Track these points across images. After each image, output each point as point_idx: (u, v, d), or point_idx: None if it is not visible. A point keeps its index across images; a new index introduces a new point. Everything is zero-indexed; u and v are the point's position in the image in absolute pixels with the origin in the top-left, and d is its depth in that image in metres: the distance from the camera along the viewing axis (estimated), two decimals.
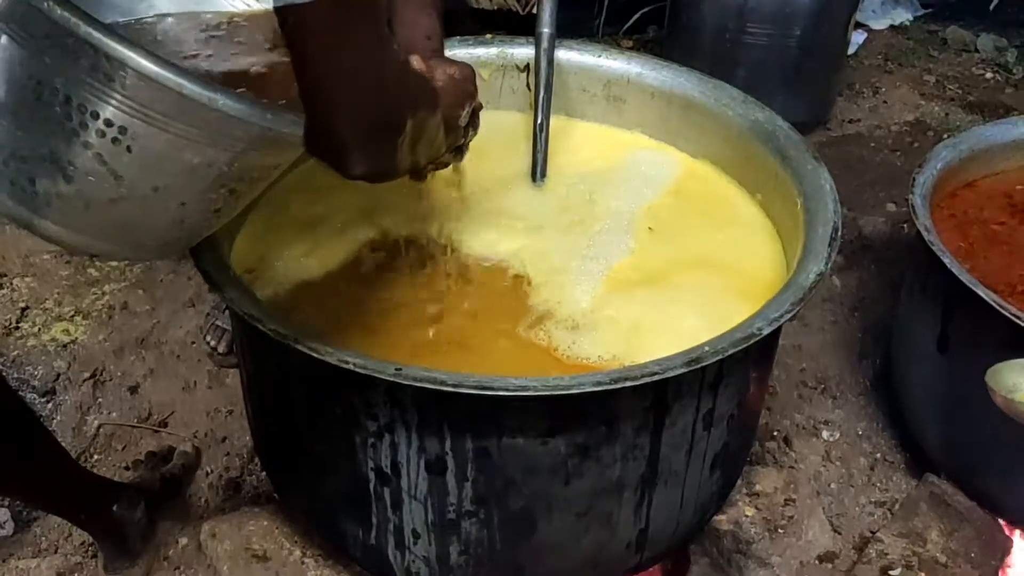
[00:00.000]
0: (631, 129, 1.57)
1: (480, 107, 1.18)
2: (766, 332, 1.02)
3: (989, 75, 3.24)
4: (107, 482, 1.40)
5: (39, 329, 1.85)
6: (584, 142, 1.56)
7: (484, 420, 1.02)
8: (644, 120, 1.55)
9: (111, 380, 1.76)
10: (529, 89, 1.59)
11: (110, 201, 0.90)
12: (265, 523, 1.39)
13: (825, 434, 1.64)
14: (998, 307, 1.28)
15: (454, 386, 0.94)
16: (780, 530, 1.39)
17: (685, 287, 1.25)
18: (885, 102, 3.03)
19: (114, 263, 2.02)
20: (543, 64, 1.50)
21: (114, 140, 0.85)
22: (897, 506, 1.46)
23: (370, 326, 1.21)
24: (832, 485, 1.54)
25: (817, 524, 1.41)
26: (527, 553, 1.16)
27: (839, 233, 1.16)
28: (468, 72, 1.12)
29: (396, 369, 0.96)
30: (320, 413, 1.12)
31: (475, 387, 0.94)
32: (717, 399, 1.11)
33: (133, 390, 1.74)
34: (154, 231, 0.96)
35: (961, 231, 1.59)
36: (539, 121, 1.49)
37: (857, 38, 3.32)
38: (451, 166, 1.22)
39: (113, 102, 0.84)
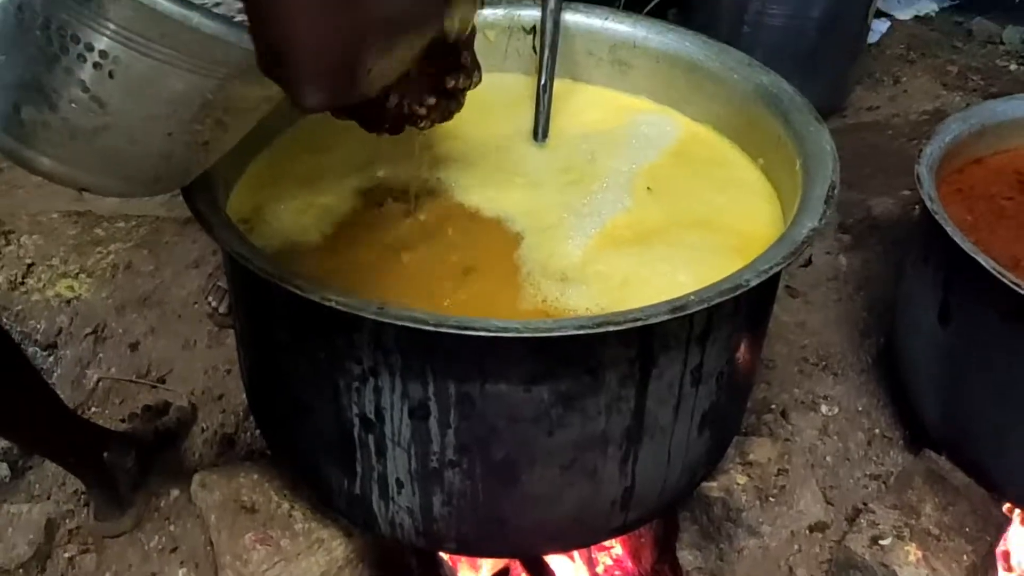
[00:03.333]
0: (636, 93, 1.56)
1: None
2: (754, 283, 1.01)
3: (1013, 67, 3.20)
4: (98, 428, 1.40)
5: (44, 285, 1.86)
6: (588, 105, 1.55)
7: (467, 364, 1.02)
8: (649, 84, 1.54)
9: (112, 337, 1.77)
10: (535, 52, 1.59)
11: (95, 130, 0.90)
12: (256, 476, 1.39)
13: (824, 408, 1.63)
14: (999, 275, 1.26)
15: (435, 325, 0.94)
16: (771, 499, 1.37)
17: (679, 245, 1.24)
18: (905, 91, 2.99)
19: (121, 224, 2.04)
20: (549, 25, 1.49)
21: (95, 65, 0.85)
22: (892, 479, 1.44)
23: (362, 279, 1.20)
24: (827, 458, 1.53)
25: (809, 494, 1.39)
26: (510, 505, 1.15)
27: (836, 191, 1.15)
28: None
29: (378, 307, 0.95)
30: (305, 357, 1.12)
31: (456, 327, 0.94)
32: (705, 354, 1.10)
33: (133, 347, 1.75)
34: (142, 163, 0.96)
35: (967, 206, 1.57)
36: (542, 82, 1.48)
37: (880, 27, 3.29)
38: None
39: (92, 24, 0.84)
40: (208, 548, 1.34)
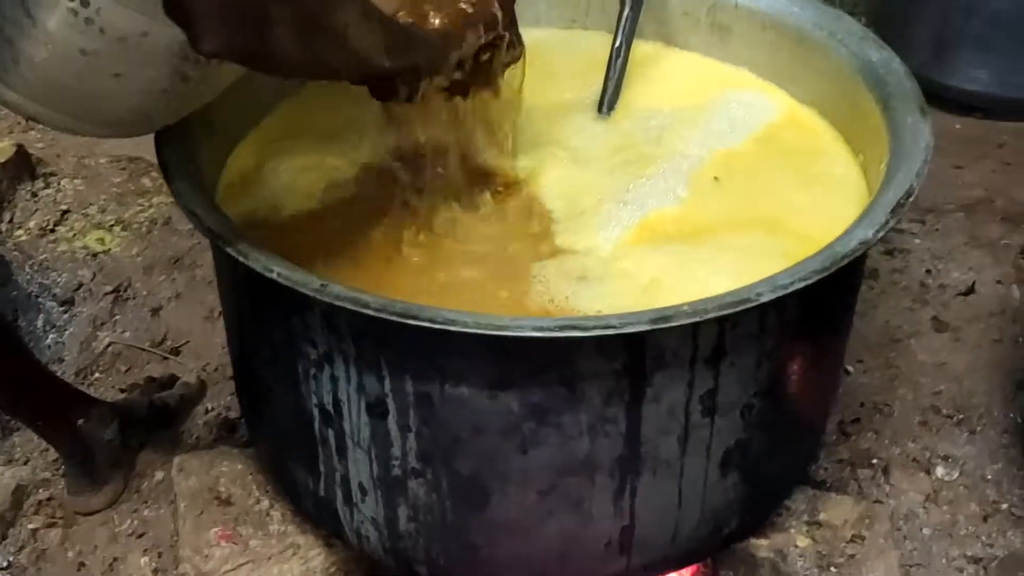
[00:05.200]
0: (737, 64, 1.58)
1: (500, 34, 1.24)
2: (765, 299, 1.02)
3: None
4: (76, 393, 1.55)
5: (75, 235, 2.05)
6: (675, 74, 1.59)
7: (422, 359, 1.09)
8: (752, 55, 1.56)
9: (134, 298, 1.94)
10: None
11: (37, 59, 1.02)
12: (240, 466, 1.51)
13: (940, 471, 1.59)
14: None
15: (377, 310, 1.01)
16: (834, 568, 1.37)
17: (729, 247, 1.26)
18: None
19: None
20: None
21: None
22: (994, 564, 1.41)
23: (364, 251, 1.29)
24: (924, 530, 1.50)
25: (883, 569, 1.38)
26: (482, 529, 1.21)
27: (910, 199, 1.14)
28: None
29: (321, 284, 1.04)
30: (265, 333, 1.22)
31: (399, 314, 1.01)
32: (720, 379, 1.13)
33: (154, 312, 1.91)
34: (91, 102, 1.08)
35: None
36: (617, 44, 1.53)
37: None
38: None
39: None
40: (174, 539, 1.47)
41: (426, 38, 1.12)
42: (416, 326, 1.00)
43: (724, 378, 1.13)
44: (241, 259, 1.07)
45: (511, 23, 1.27)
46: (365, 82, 1.14)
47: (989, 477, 1.60)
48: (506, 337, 1.01)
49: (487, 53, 1.26)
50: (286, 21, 0.89)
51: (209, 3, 0.83)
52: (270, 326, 1.20)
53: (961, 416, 1.71)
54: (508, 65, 1.32)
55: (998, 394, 1.74)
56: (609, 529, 1.21)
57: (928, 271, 1.97)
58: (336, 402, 1.17)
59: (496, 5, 1.23)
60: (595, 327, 1.00)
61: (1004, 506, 1.56)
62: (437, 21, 1.13)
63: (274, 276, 1.05)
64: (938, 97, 2.41)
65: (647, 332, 1.01)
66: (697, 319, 1.01)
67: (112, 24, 0.99)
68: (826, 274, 1.06)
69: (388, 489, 1.21)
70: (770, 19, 1.52)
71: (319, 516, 1.34)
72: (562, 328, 1.00)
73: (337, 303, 1.02)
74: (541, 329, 1.00)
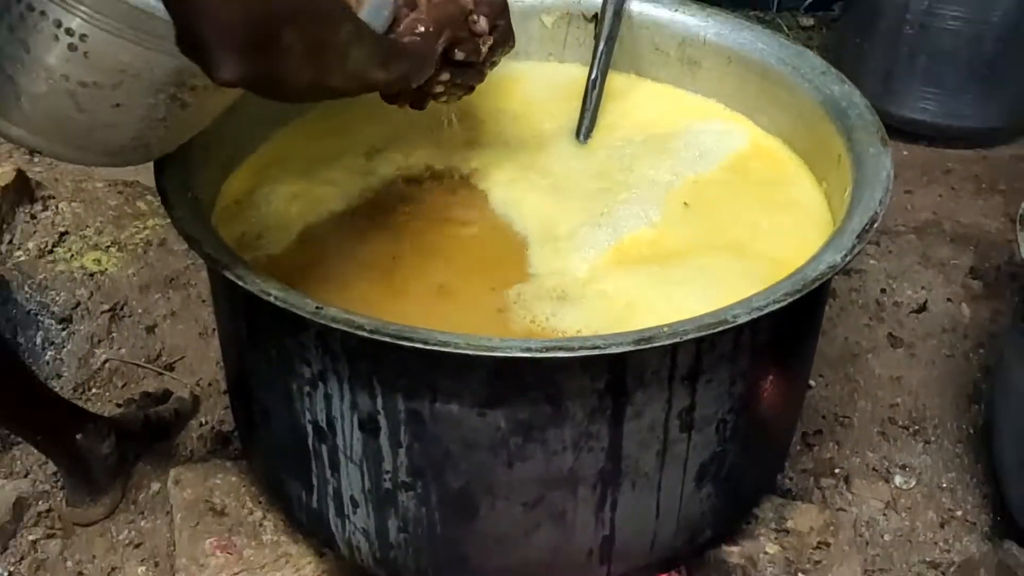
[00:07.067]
0: (706, 96, 1.57)
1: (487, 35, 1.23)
2: (742, 320, 1.02)
3: None
4: (72, 407, 1.52)
5: (72, 256, 2.02)
6: (648, 104, 1.58)
7: (414, 379, 1.07)
8: (720, 87, 1.56)
9: (129, 316, 1.91)
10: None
11: (39, 94, 1.00)
12: (234, 479, 1.48)
13: (898, 479, 1.60)
14: None
15: (371, 332, 1.00)
16: (801, 574, 1.36)
17: (701, 269, 1.25)
18: None
19: None
20: (608, 14, 1.53)
21: (36, 26, 0.96)
22: (952, 569, 1.41)
23: (351, 274, 1.27)
24: (885, 536, 1.50)
25: (848, 574, 1.37)
26: (470, 541, 1.20)
27: (875, 225, 1.14)
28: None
29: (316, 307, 1.02)
30: (261, 353, 1.20)
31: (393, 336, 0.99)
32: (697, 396, 1.12)
33: (150, 329, 1.89)
34: (92, 133, 1.06)
35: None
36: (593, 76, 1.53)
37: None
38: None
39: None
40: (171, 548, 1.44)
41: (410, 48, 1.10)
42: (409, 347, 0.99)
43: (701, 395, 1.13)
44: (239, 283, 1.05)
45: (503, 11, 1.25)
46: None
47: (944, 485, 1.61)
48: (496, 358, 0.99)
49: (465, 51, 1.23)
50: (296, 45, 0.88)
51: (226, 37, 0.82)
52: (266, 347, 1.18)
53: (917, 427, 1.72)
54: (501, 58, 1.31)
55: (951, 406, 1.75)
56: (590, 540, 1.20)
57: (883, 290, 1.98)
58: (330, 419, 1.15)
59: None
60: (581, 347, 0.99)
61: (959, 513, 1.57)
62: (421, 28, 1.12)
63: (271, 299, 1.03)
64: (887, 126, 2.42)
65: (630, 352, 1.00)
66: (677, 340, 1.00)
67: (109, 57, 0.98)
68: (798, 296, 1.05)
69: (379, 502, 1.19)
70: (736, 54, 1.52)
71: (311, 527, 1.32)
72: (549, 349, 0.99)
73: (333, 325, 1.01)
74: (530, 350, 0.99)
